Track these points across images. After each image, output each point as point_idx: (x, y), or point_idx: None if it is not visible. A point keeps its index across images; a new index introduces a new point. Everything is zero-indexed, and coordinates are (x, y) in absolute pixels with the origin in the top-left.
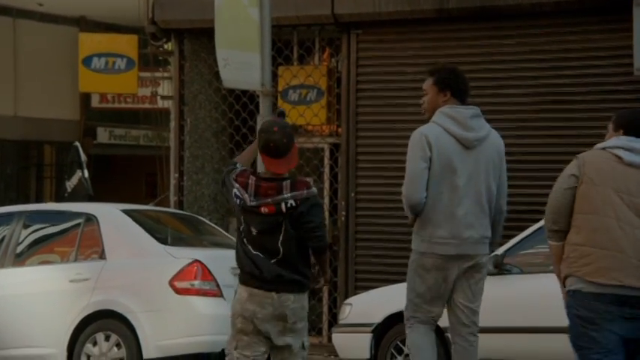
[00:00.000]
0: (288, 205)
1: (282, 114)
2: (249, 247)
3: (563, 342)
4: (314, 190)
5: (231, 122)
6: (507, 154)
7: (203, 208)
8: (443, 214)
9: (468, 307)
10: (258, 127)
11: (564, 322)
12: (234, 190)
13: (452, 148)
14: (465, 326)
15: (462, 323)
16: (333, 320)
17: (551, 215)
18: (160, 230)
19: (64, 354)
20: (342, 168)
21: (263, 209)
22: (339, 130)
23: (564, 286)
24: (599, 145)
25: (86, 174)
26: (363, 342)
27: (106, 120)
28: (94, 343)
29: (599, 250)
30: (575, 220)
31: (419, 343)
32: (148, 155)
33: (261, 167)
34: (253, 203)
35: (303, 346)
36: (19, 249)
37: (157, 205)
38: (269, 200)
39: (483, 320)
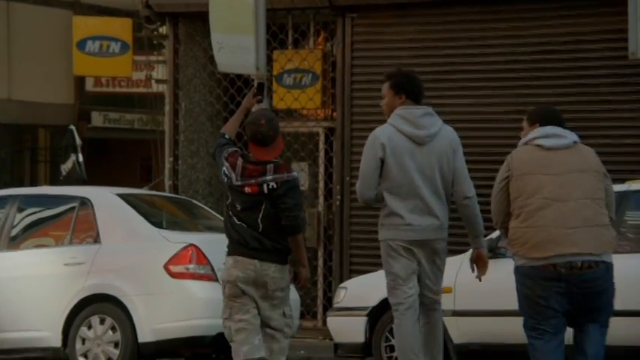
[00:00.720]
0: (270, 186)
1: (261, 85)
2: (234, 218)
3: None
4: (294, 174)
5: (225, 106)
6: (502, 137)
7: (198, 192)
8: (403, 205)
9: (431, 289)
10: (253, 110)
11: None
12: (224, 168)
13: (405, 146)
14: (426, 305)
15: (424, 303)
16: (328, 304)
17: (496, 217)
18: (154, 214)
19: (59, 337)
20: (337, 152)
21: (247, 189)
22: (334, 114)
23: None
24: (521, 142)
25: (80, 158)
26: (357, 325)
27: (100, 104)
28: (89, 327)
29: (533, 228)
30: (513, 208)
31: (405, 330)
32: (142, 139)
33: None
34: (238, 183)
35: (284, 314)
36: (14, 232)
37: (151, 189)
38: (252, 181)
39: (478, 303)
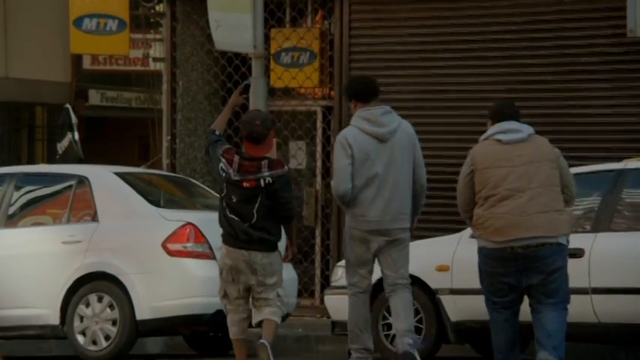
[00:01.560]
0: (267, 181)
1: (247, 86)
2: (228, 210)
3: None
4: (286, 169)
5: (223, 85)
6: None
7: (195, 171)
8: (367, 198)
9: (391, 276)
10: (251, 89)
11: None
12: (221, 164)
13: (368, 144)
14: (390, 285)
15: (389, 284)
16: (326, 282)
17: (463, 207)
18: (152, 193)
19: (58, 315)
20: (335, 131)
21: (245, 184)
22: (332, 92)
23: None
24: (482, 138)
25: (77, 136)
26: None
27: (97, 82)
28: (87, 305)
29: (495, 215)
30: (477, 198)
31: (354, 309)
32: (140, 118)
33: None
34: (237, 178)
35: (278, 295)
36: (11, 210)
37: (149, 167)
38: (251, 177)
39: (475, 281)
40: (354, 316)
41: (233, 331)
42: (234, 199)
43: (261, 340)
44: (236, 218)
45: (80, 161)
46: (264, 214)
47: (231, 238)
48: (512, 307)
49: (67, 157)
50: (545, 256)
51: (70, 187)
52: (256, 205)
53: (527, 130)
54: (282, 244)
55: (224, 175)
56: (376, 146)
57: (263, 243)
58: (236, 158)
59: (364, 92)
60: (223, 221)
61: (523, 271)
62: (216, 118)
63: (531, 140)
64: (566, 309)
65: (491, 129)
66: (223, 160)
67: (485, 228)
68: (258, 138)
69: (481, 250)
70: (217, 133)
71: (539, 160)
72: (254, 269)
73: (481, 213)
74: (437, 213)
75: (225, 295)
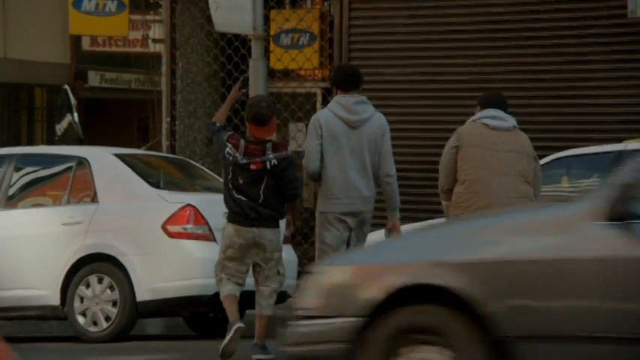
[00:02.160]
0: (272, 163)
1: (246, 79)
2: (234, 192)
3: None
4: (289, 151)
5: (223, 66)
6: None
7: (195, 153)
8: (336, 181)
9: None
10: (251, 71)
11: None
12: (227, 149)
13: (339, 128)
14: None
15: None
16: None
17: (444, 180)
18: (152, 174)
19: (58, 296)
20: None
21: (252, 166)
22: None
23: None
24: (470, 120)
25: (76, 118)
26: None
27: (97, 63)
28: (87, 286)
29: (477, 195)
30: (459, 176)
31: None
32: (139, 99)
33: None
34: (244, 161)
35: (278, 273)
36: (11, 191)
37: (149, 149)
38: (257, 159)
39: None
40: None
41: (228, 289)
42: (241, 181)
43: (254, 342)
44: (243, 198)
45: (80, 142)
46: (270, 194)
47: (241, 217)
48: None
49: (67, 139)
50: None
51: (69, 168)
52: (262, 186)
53: (512, 120)
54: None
55: (231, 159)
56: (347, 131)
57: (271, 220)
58: (242, 142)
59: (346, 82)
60: (230, 202)
61: None
62: (216, 103)
63: (515, 132)
64: None
65: (480, 113)
66: (229, 145)
67: (466, 207)
68: (263, 119)
69: None
70: (218, 125)
71: (520, 152)
72: (263, 245)
73: (463, 191)
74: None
75: (222, 269)
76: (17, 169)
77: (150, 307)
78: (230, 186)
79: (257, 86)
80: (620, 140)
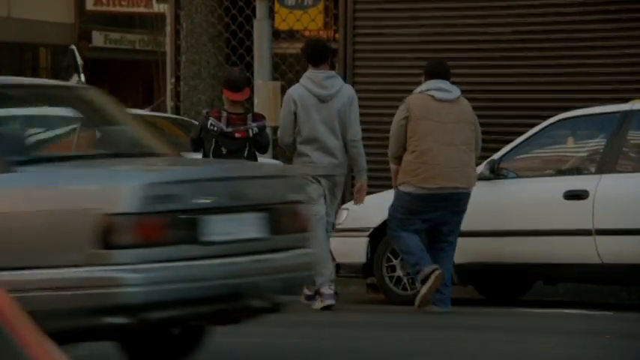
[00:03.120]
0: (254, 131)
1: (242, 70)
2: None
3: (559, 244)
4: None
5: (227, 27)
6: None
7: (200, 114)
8: (310, 148)
9: (328, 214)
10: (256, 31)
11: (560, 225)
12: (210, 121)
13: (311, 102)
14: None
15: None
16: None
17: (393, 150)
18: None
19: None
20: (340, 74)
21: (237, 134)
22: (337, 35)
23: (397, 188)
24: (416, 90)
25: (83, 78)
26: (359, 246)
27: (101, 23)
28: None
29: (424, 165)
30: (408, 145)
31: (318, 236)
32: (144, 60)
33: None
34: (229, 129)
35: None
36: None
37: (153, 110)
38: (241, 128)
39: (478, 224)
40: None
41: None
42: (225, 151)
43: None
44: None
45: None
46: (251, 160)
47: None
48: (419, 233)
49: None
50: (460, 199)
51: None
52: (245, 154)
53: (456, 91)
54: None
55: (216, 129)
56: (318, 104)
57: None
58: (223, 114)
59: (315, 57)
60: None
61: (441, 209)
62: (220, 64)
63: (459, 101)
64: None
65: (427, 84)
66: (211, 118)
67: (414, 175)
68: (235, 82)
69: (409, 194)
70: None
71: (463, 121)
72: None
73: (411, 160)
74: None
75: None
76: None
77: None
78: (212, 157)
79: (262, 47)
80: (626, 100)
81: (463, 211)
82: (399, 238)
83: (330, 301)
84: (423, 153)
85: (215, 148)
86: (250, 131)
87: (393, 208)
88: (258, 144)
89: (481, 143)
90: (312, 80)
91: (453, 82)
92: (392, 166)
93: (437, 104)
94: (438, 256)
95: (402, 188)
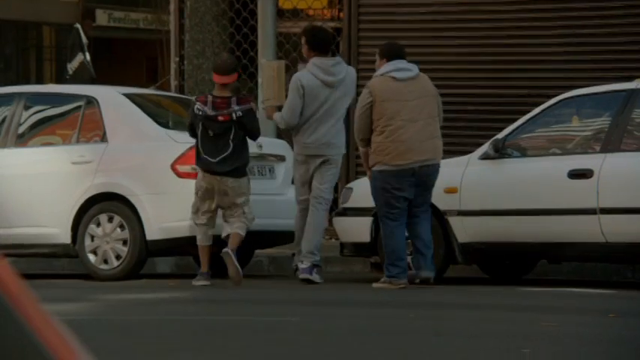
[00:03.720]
0: (237, 114)
1: (230, 56)
2: (205, 141)
3: (563, 223)
4: (252, 104)
5: (231, 5)
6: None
7: (204, 93)
8: (310, 130)
9: (319, 188)
10: (260, 10)
11: (564, 204)
12: (197, 106)
13: (318, 88)
14: (314, 198)
15: (313, 197)
16: (334, 205)
17: (359, 132)
18: (161, 114)
19: (69, 234)
20: (344, 53)
21: (220, 117)
22: (341, 14)
23: (370, 170)
24: (377, 73)
25: (88, 57)
26: (363, 225)
27: (104, 2)
28: (98, 224)
29: (394, 142)
30: (376, 127)
31: (301, 220)
32: (148, 39)
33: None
34: (212, 113)
35: (243, 212)
36: (21, 130)
37: (157, 89)
38: (225, 111)
39: (483, 203)
40: (296, 227)
41: (200, 239)
42: (211, 134)
43: (225, 250)
44: (213, 149)
45: (93, 81)
46: (238, 142)
47: (206, 165)
48: (403, 216)
49: (79, 78)
50: (431, 173)
51: (78, 107)
52: (231, 136)
53: (415, 69)
54: (288, 167)
55: (200, 113)
56: (325, 90)
57: (234, 170)
58: (209, 98)
59: (322, 46)
60: (201, 151)
61: (414, 185)
62: (224, 43)
63: (419, 78)
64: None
65: (386, 67)
66: (198, 103)
67: (386, 154)
68: (221, 65)
69: (381, 173)
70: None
71: (425, 96)
72: (225, 191)
73: (381, 141)
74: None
75: (196, 211)
76: (27, 108)
77: (160, 246)
78: (200, 139)
79: (265, 26)
80: (631, 79)
81: (433, 185)
82: (385, 231)
83: (304, 275)
84: (392, 132)
85: (202, 132)
86: (234, 114)
87: (375, 193)
88: (245, 128)
89: (443, 114)
90: (319, 67)
91: (459, 62)
92: (361, 149)
93: (398, 84)
94: (415, 228)
95: (376, 169)
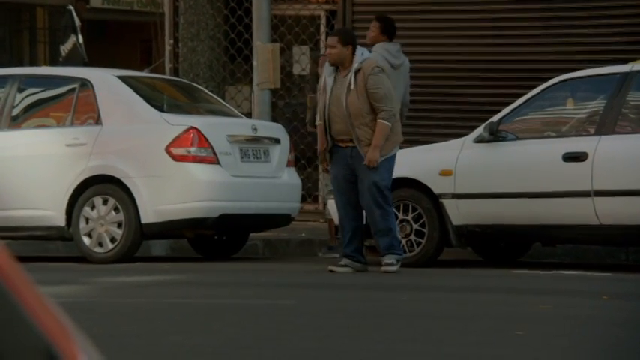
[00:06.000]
0: None
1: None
2: None
3: (557, 206)
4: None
5: None
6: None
7: (199, 76)
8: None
9: None
10: None
11: (558, 187)
12: None
13: (389, 70)
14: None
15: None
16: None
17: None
18: (155, 97)
19: (63, 216)
20: None
21: None
22: None
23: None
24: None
25: (81, 39)
26: None
27: None
28: (93, 207)
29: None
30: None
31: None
32: (142, 21)
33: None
34: None
35: None
36: (15, 112)
37: (152, 71)
38: None
39: (477, 186)
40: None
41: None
42: None
43: None
44: None
45: (85, 64)
46: None
47: None
48: None
49: (72, 60)
50: None
51: (73, 89)
52: None
53: (367, 53)
54: (285, 150)
55: None
56: (392, 73)
57: None
58: None
59: (392, 33)
60: None
61: None
62: (219, 25)
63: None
64: None
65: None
66: None
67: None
68: None
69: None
70: None
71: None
72: None
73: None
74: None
75: None
76: (20, 90)
77: (154, 229)
78: None
79: (260, 8)
80: (626, 62)
81: None
82: (391, 216)
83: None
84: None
85: None
86: None
87: (389, 180)
88: None
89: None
90: (388, 52)
91: (453, 44)
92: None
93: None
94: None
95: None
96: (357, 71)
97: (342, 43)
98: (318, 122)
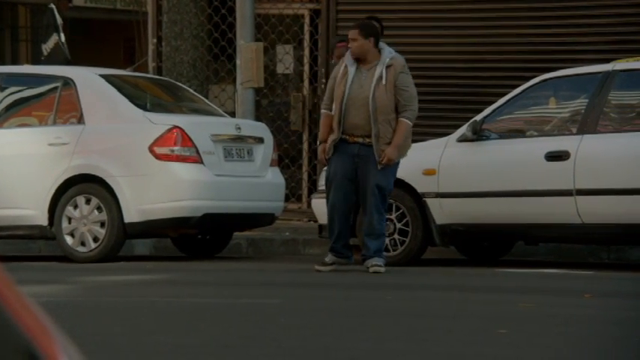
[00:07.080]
0: None
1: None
2: None
3: (540, 205)
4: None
5: None
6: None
7: (182, 75)
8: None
9: None
10: None
11: (541, 185)
12: None
13: None
14: None
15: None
16: (313, 187)
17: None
18: (138, 96)
19: (46, 216)
20: (322, 35)
21: None
22: None
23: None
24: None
25: (63, 38)
26: None
27: None
28: (75, 206)
29: None
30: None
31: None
32: (125, 20)
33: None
34: None
35: None
36: None
37: (135, 70)
38: None
39: (461, 185)
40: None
41: None
42: None
43: None
44: None
45: (68, 62)
46: None
47: None
48: None
49: (54, 59)
50: None
51: (55, 88)
52: None
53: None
54: (268, 149)
55: None
56: None
57: None
58: None
59: (382, 32)
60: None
61: None
62: (202, 24)
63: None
64: None
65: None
66: None
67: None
68: None
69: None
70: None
71: None
72: None
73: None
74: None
75: None
76: (2, 89)
77: (138, 228)
78: None
79: (244, 7)
80: (608, 61)
81: None
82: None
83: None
84: None
85: None
86: None
87: (392, 185)
88: None
89: None
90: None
91: (438, 44)
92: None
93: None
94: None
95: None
96: (388, 67)
97: (363, 36)
98: (323, 111)
